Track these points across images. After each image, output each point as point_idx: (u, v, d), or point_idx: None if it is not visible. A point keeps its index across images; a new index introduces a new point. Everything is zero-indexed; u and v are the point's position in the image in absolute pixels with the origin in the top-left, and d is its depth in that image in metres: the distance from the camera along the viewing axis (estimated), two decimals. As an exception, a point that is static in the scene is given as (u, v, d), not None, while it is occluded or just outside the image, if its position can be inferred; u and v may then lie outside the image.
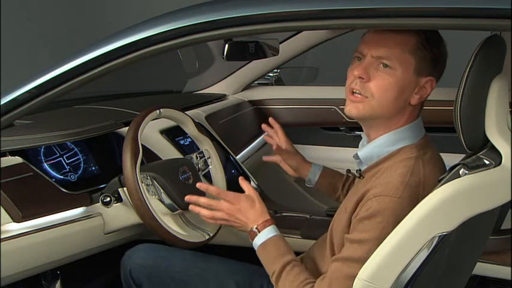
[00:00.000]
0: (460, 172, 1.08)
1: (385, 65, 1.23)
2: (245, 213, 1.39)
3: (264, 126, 1.81)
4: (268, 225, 1.38)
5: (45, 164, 1.61)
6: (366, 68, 1.24)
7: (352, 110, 1.27)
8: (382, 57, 1.23)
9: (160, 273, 1.61)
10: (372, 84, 1.24)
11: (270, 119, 1.80)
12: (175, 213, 1.58)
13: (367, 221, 1.19)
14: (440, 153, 1.35)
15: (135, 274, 1.62)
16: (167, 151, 1.88)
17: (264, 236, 1.37)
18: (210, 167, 1.75)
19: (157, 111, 1.60)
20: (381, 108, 1.25)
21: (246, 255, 1.71)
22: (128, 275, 1.63)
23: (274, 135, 1.79)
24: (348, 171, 1.38)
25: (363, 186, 1.28)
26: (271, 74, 2.69)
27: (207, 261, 1.65)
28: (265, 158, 1.84)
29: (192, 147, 1.90)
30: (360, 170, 1.35)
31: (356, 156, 1.34)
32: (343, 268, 1.19)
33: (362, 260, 1.13)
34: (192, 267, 1.61)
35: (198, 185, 1.48)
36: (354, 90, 1.26)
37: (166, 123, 1.87)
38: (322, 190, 1.75)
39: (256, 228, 1.38)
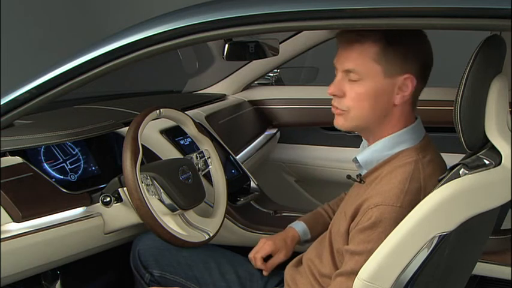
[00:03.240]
0: (460, 172, 1.08)
1: (354, 78, 1.25)
2: None
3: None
4: None
5: (45, 164, 1.61)
6: (337, 84, 1.28)
7: (337, 122, 1.32)
8: (349, 70, 1.25)
9: (167, 256, 1.64)
10: (346, 99, 1.27)
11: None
12: (175, 213, 1.58)
13: (369, 231, 1.19)
14: (441, 153, 1.35)
15: (143, 256, 1.65)
16: (167, 151, 1.87)
17: None
18: (210, 167, 1.75)
19: (157, 111, 1.60)
20: (360, 118, 1.28)
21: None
22: (136, 256, 1.67)
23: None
24: (349, 176, 1.37)
25: (364, 191, 1.28)
26: (271, 74, 2.69)
27: (212, 250, 1.68)
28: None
29: (192, 147, 1.90)
30: (360, 174, 1.34)
31: (355, 160, 1.34)
32: (348, 282, 1.18)
33: None
34: (197, 253, 1.64)
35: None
36: (334, 105, 1.31)
37: (166, 123, 1.87)
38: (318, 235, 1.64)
39: None
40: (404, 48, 1.24)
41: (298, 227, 1.64)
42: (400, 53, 1.23)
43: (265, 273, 1.61)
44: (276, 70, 2.65)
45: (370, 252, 1.13)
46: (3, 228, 1.39)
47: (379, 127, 1.29)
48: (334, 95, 1.29)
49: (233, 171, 2.05)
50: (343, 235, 1.28)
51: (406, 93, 1.26)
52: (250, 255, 1.63)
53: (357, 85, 1.25)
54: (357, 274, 1.10)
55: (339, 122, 1.30)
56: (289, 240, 1.62)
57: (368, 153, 1.31)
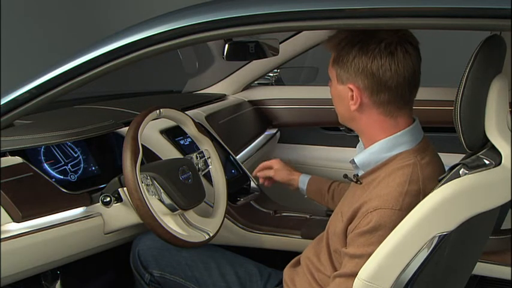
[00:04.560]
0: (460, 172, 1.08)
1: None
2: None
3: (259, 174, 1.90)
4: None
5: (45, 164, 1.61)
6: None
7: None
8: None
9: (167, 256, 1.65)
10: None
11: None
12: (175, 213, 1.58)
13: (368, 235, 1.19)
14: (440, 153, 1.34)
15: (143, 256, 1.66)
16: (167, 151, 1.88)
17: None
18: (210, 167, 1.75)
19: (157, 111, 1.60)
20: (339, 117, 1.35)
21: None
22: (136, 256, 1.67)
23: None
24: (345, 176, 1.37)
25: (361, 193, 1.27)
26: (271, 74, 2.69)
27: (212, 250, 1.69)
28: (257, 174, 1.91)
29: (192, 147, 1.90)
30: (357, 175, 1.34)
31: (352, 162, 1.34)
32: (347, 283, 1.18)
33: None
34: (197, 253, 1.65)
35: None
36: None
37: (166, 123, 1.87)
38: (312, 198, 1.81)
39: None
40: (354, 58, 1.24)
41: (303, 176, 1.80)
42: (349, 62, 1.24)
43: (257, 173, 1.86)
44: (276, 70, 2.65)
45: (370, 255, 1.12)
46: (3, 228, 1.39)
47: (361, 131, 1.31)
48: None
49: (233, 171, 2.05)
50: (339, 236, 1.28)
51: (357, 102, 1.26)
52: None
53: (330, 85, 1.33)
54: (356, 276, 1.10)
55: None
56: (295, 173, 1.83)
57: (365, 155, 1.30)
